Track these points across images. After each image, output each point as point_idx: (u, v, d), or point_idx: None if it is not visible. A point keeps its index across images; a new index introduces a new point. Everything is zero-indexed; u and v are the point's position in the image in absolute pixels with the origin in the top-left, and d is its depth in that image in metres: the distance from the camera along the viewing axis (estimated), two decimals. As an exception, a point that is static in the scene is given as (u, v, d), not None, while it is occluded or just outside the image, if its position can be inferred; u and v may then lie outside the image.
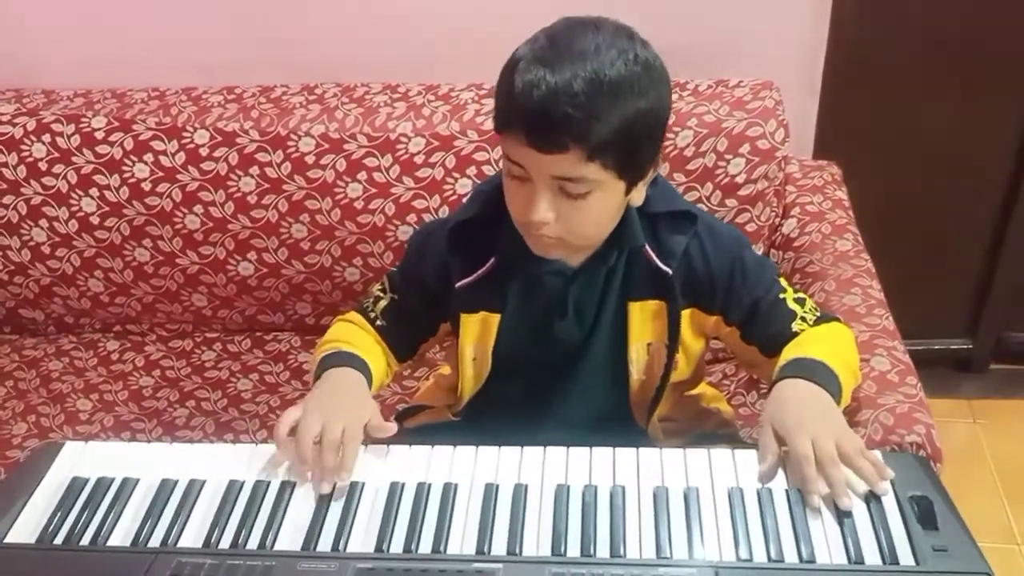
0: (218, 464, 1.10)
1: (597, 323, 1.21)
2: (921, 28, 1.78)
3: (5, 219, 1.74)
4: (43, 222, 1.74)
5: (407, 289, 1.28)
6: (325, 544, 0.99)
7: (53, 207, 1.73)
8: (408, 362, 1.35)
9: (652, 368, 1.23)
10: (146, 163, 1.68)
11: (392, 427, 1.12)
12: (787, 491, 1.01)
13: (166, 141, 1.67)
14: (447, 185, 1.63)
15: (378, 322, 1.28)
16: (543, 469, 1.06)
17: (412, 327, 1.30)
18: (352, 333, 1.27)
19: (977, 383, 2.20)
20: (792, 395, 1.08)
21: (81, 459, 1.13)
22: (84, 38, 1.81)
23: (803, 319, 1.19)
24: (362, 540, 0.99)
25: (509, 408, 1.27)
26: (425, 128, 1.63)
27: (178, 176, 1.68)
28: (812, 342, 1.16)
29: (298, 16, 1.76)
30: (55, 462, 1.12)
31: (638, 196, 1.12)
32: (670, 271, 1.16)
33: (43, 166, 1.71)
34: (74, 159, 1.70)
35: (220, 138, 1.66)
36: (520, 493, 1.02)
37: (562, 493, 1.02)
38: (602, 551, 0.96)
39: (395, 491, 1.04)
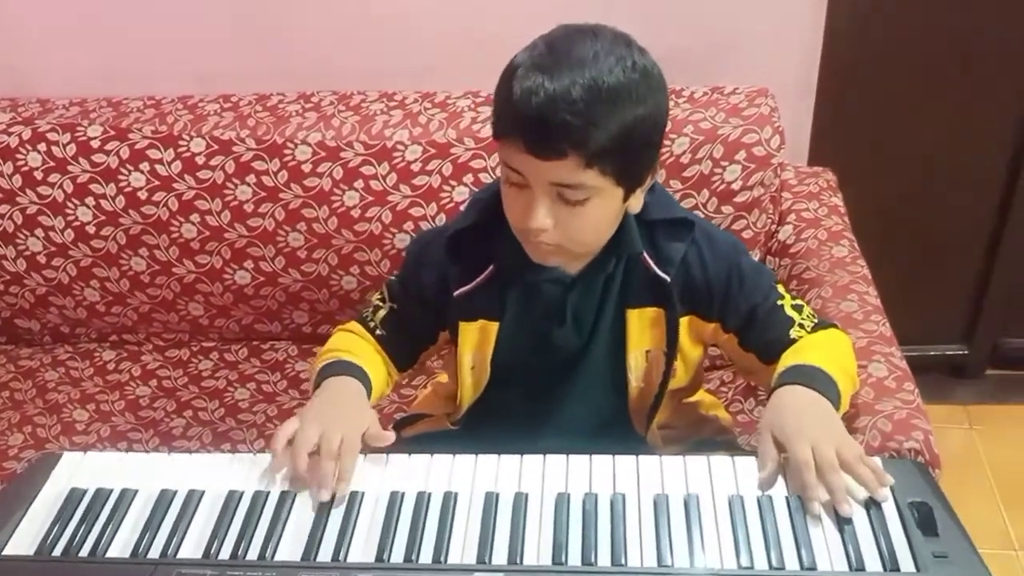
0: (217, 474, 1.09)
1: (595, 331, 1.21)
2: (915, 35, 1.78)
3: (0, 229, 1.74)
4: (39, 231, 1.73)
5: (406, 298, 1.28)
6: (325, 554, 0.98)
7: (49, 216, 1.72)
8: (408, 371, 1.35)
9: (651, 375, 1.23)
10: (142, 172, 1.68)
11: (390, 436, 1.12)
12: (787, 498, 1.01)
13: (162, 150, 1.67)
14: (444, 193, 1.63)
15: (378, 331, 1.28)
16: (543, 477, 1.05)
17: (412, 336, 1.30)
18: (352, 342, 1.27)
19: (973, 389, 2.21)
20: (791, 402, 1.08)
21: (79, 470, 1.12)
22: (79, 47, 1.81)
23: (801, 326, 1.19)
24: (362, 550, 0.99)
25: (508, 416, 1.27)
26: (422, 136, 1.63)
27: (174, 185, 1.68)
28: (810, 349, 1.17)
29: (294, 24, 1.76)
30: (53, 473, 1.11)
31: (636, 203, 1.12)
32: (668, 278, 1.16)
33: (39, 175, 1.70)
34: (70, 168, 1.69)
35: (216, 146, 1.66)
36: (520, 502, 1.02)
37: (562, 501, 1.02)
38: (603, 559, 0.95)
39: (395, 500, 1.04)
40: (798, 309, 1.21)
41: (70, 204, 1.71)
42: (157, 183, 1.68)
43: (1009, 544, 1.87)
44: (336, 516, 1.02)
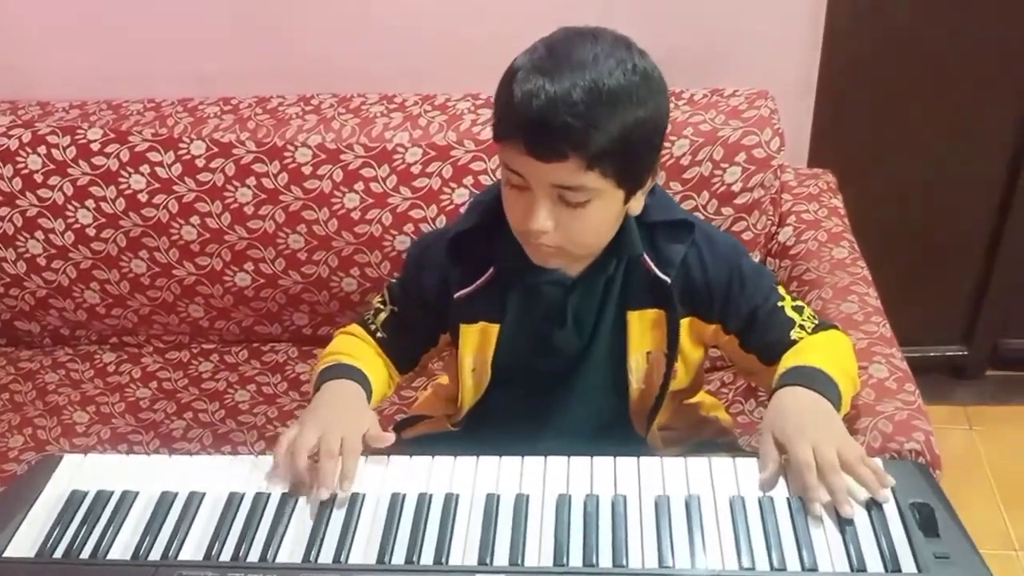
0: (218, 476, 1.09)
1: (596, 332, 1.21)
2: (914, 37, 1.79)
3: (0, 231, 1.74)
4: (39, 234, 1.73)
5: (407, 301, 1.28)
6: (326, 556, 0.98)
7: (49, 219, 1.72)
8: (409, 373, 1.35)
9: (651, 377, 1.23)
10: (142, 174, 1.68)
11: (390, 437, 1.12)
12: (788, 499, 1.01)
13: (162, 152, 1.67)
14: (444, 195, 1.63)
15: (378, 334, 1.28)
16: (544, 479, 1.06)
17: (413, 338, 1.30)
18: (352, 345, 1.27)
19: (973, 390, 2.21)
20: (792, 403, 1.08)
21: (80, 472, 1.12)
22: (79, 50, 1.80)
23: (801, 327, 1.20)
24: (363, 552, 0.99)
25: (508, 418, 1.27)
26: (422, 138, 1.63)
27: (174, 187, 1.68)
28: (811, 350, 1.17)
29: (294, 26, 1.76)
30: (53, 475, 1.11)
31: (637, 205, 1.12)
32: (668, 280, 1.16)
33: (39, 178, 1.70)
34: (70, 171, 1.69)
35: (216, 149, 1.66)
36: (521, 503, 1.02)
37: (564, 503, 1.02)
38: (604, 560, 0.95)
39: (396, 502, 1.04)
40: (799, 310, 1.21)
41: (70, 206, 1.71)
42: (157, 185, 1.68)
43: (1009, 545, 1.88)
44: (337, 518, 1.02)
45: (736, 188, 1.58)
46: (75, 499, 1.07)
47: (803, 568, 0.93)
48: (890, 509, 0.99)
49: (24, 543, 1.03)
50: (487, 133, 1.61)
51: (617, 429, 1.28)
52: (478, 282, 1.18)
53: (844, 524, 0.97)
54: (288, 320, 1.80)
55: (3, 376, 1.82)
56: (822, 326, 1.22)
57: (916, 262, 2.03)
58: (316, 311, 1.78)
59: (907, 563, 0.93)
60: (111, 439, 1.67)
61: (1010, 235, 1.99)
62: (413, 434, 1.37)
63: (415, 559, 0.97)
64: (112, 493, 1.08)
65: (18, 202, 1.71)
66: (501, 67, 1.06)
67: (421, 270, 1.26)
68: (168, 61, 1.80)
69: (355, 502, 1.04)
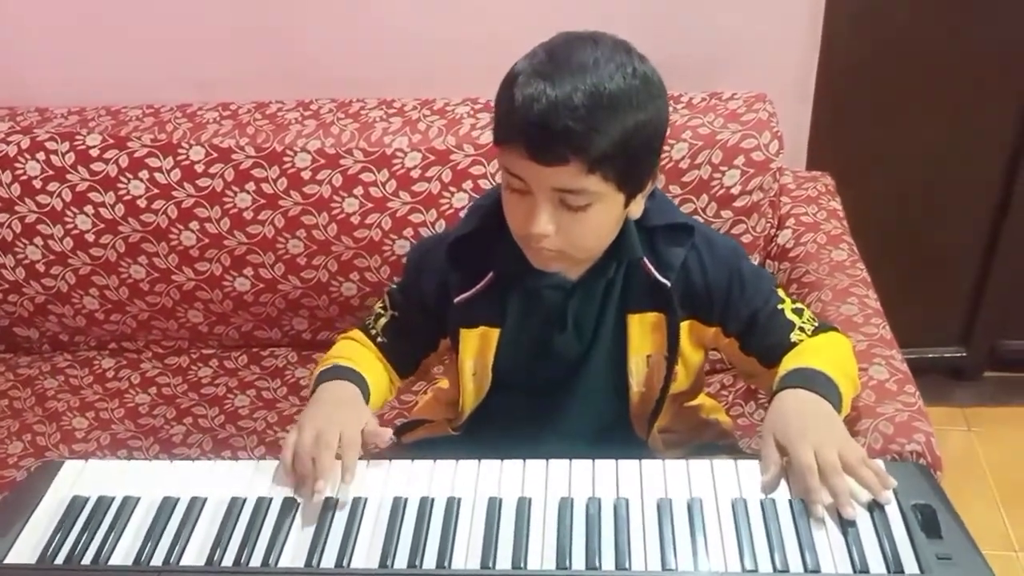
0: (219, 481, 1.09)
1: (596, 336, 1.21)
2: (911, 39, 1.79)
3: (-1, 238, 1.74)
4: (38, 240, 1.73)
5: (407, 305, 1.28)
6: (329, 561, 0.98)
7: (48, 225, 1.72)
8: (410, 378, 1.35)
9: (652, 380, 1.23)
10: (141, 180, 1.68)
11: (388, 432, 1.12)
12: (790, 501, 1.01)
13: (161, 158, 1.67)
14: (443, 199, 1.63)
15: (379, 339, 1.28)
16: (546, 482, 1.06)
17: (413, 343, 1.30)
18: (352, 350, 1.27)
19: (971, 391, 2.21)
20: (793, 405, 1.08)
21: (81, 478, 1.12)
22: (78, 55, 1.81)
23: (801, 329, 1.20)
24: (366, 556, 0.99)
25: (509, 422, 1.27)
26: (421, 143, 1.63)
27: (174, 193, 1.68)
28: (811, 352, 1.17)
29: (293, 32, 1.76)
30: (54, 481, 1.11)
31: (637, 208, 1.12)
32: (668, 283, 1.16)
33: (37, 184, 1.70)
34: (69, 177, 1.69)
35: (216, 154, 1.66)
36: (524, 506, 1.02)
37: (566, 506, 1.02)
38: (607, 563, 0.96)
39: (398, 506, 1.04)
40: (798, 313, 1.21)
41: (69, 212, 1.71)
42: (156, 191, 1.68)
43: (1009, 546, 1.88)
44: (339, 522, 1.02)
45: (735, 191, 1.58)
46: (76, 505, 1.07)
47: (806, 570, 0.93)
48: (892, 510, 0.99)
49: (26, 549, 1.03)
50: (486, 137, 1.61)
51: (618, 432, 1.28)
52: (478, 286, 1.19)
53: (846, 526, 0.97)
54: (288, 325, 1.80)
55: (2, 382, 1.82)
56: (822, 328, 1.22)
57: (914, 264, 2.04)
58: (316, 316, 1.78)
59: (910, 564, 0.93)
60: (110, 445, 1.67)
61: (1008, 237, 2.00)
62: (413, 438, 1.37)
63: (418, 563, 0.97)
64: (113, 499, 1.08)
65: (17, 208, 1.71)
66: (500, 72, 1.06)
67: (421, 274, 1.26)
68: (167, 67, 1.80)
69: (357, 506, 1.04)
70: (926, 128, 1.87)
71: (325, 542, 1.00)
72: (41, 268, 1.76)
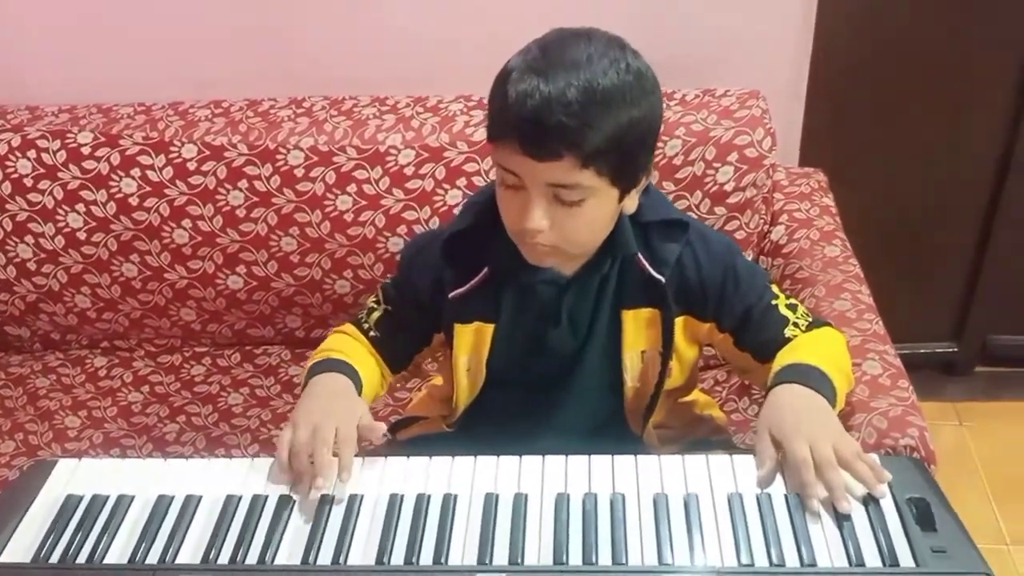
0: (214, 479, 1.09)
1: (591, 332, 1.22)
2: (903, 37, 1.80)
3: (-10, 236, 1.73)
4: (29, 238, 1.72)
5: (400, 300, 1.28)
6: (325, 558, 0.98)
7: (39, 223, 1.71)
8: (402, 373, 1.35)
9: (646, 375, 1.23)
10: (133, 178, 1.67)
11: (382, 426, 1.12)
12: (786, 495, 1.01)
13: (153, 156, 1.67)
14: (437, 196, 1.63)
15: (372, 333, 1.28)
16: (542, 478, 1.06)
17: (406, 338, 1.30)
18: (344, 343, 1.27)
19: (963, 386, 2.22)
20: (788, 400, 1.09)
21: (75, 476, 1.12)
22: (68, 54, 1.80)
23: (795, 325, 1.20)
24: (362, 553, 0.99)
25: (504, 418, 1.27)
26: (414, 140, 1.63)
27: (166, 191, 1.67)
28: (805, 347, 1.17)
29: (286, 31, 1.76)
30: (48, 480, 1.11)
31: (631, 204, 1.13)
32: (663, 279, 1.16)
33: (28, 182, 1.69)
34: (60, 175, 1.68)
35: (208, 152, 1.65)
36: (520, 502, 1.02)
37: (562, 501, 1.02)
38: (604, 559, 0.96)
39: (394, 503, 1.04)
40: (792, 308, 1.22)
41: (60, 211, 1.70)
42: (148, 189, 1.67)
43: (1001, 539, 1.89)
44: (335, 519, 1.02)
45: (728, 187, 1.58)
46: (70, 504, 1.07)
47: (802, 564, 0.94)
48: (887, 504, 0.99)
49: (20, 548, 1.02)
50: (480, 135, 1.61)
51: (613, 428, 1.28)
52: (472, 282, 1.19)
53: (842, 520, 0.97)
54: (281, 323, 1.80)
55: (-7, 381, 1.81)
56: (816, 323, 1.22)
57: (906, 260, 2.04)
58: (309, 313, 1.77)
59: (905, 558, 0.93)
60: (103, 443, 1.66)
61: (1000, 233, 2.00)
62: (408, 435, 1.37)
63: (414, 560, 0.97)
64: (108, 497, 1.07)
65: (8, 206, 1.70)
66: (493, 69, 1.06)
67: (415, 270, 1.26)
68: (158, 65, 1.79)
69: (353, 503, 1.04)
70: (918, 125, 1.88)
71: (321, 539, 1.00)
72: (32, 266, 1.75)
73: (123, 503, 1.07)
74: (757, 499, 1.01)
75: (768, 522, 0.98)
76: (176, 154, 1.66)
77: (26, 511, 1.07)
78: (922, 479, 1.03)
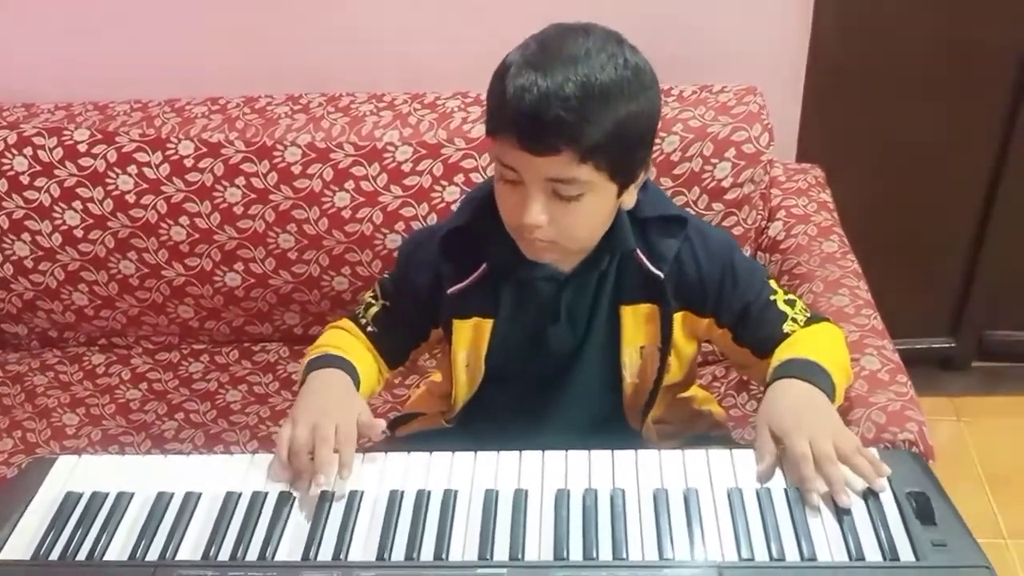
0: (214, 476, 1.09)
1: (590, 328, 1.22)
2: (900, 33, 1.80)
3: (-13, 234, 1.72)
4: (25, 236, 1.72)
5: (399, 296, 1.28)
6: (326, 554, 0.98)
7: (36, 221, 1.71)
8: (399, 369, 1.35)
9: (645, 371, 1.23)
10: (130, 175, 1.67)
11: (381, 423, 1.12)
12: (786, 490, 1.01)
13: (150, 153, 1.66)
14: (435, 193, 1.63)
15: (369, 328, 1.28)
16: (543, 474, 1.06)
17: (404, 333, 1.30)
18: (340, 339, 1.27)
19: (960, 381, 2.22)
20: (787, 395, 1.09)
21: (74, 474, 1.11)
22: (65, 51, 1.79)
23: (794, 320, 1.20)
24: (363, 549, 0.99)
25: (503, 414, 1.27)
26: (412, 137, 1.63)
27: (163, 188, 1.67)
28: (804, 343, 1.17)
29: (282, 27, 1.75)
30: (47, 477, 1.11)
31: (629, 199, 1.13)
32: (662, 275, 1.16)
33: (25, 179, 1.69)
34: (56, 172, 1.68)
35: (205, 149, 1.65)
36: (520, 498, 1.02)
37: (562, 497, 1.02)
38: (604, 554, 0.96)
39: (395, 499, 1.04)
40: (791, 304, 1.22)
41: (57, 208, 1.69)
42: (145, 186, 1.67)
43: (999, 533, 1.90)
44: (336, 515, 1.02)
45: (726, 184, 1.58)
46: (70, 501, 1.07)
47: (802, 558, 0.94)
48: (887, 499, 0.99)
49: (19, 545, 1.02)
50: (477, 131, 1.61)
51: (612, 424, 1.28)
52: (471, 278, 1.19)
53: (842, 514, 0.98)
54: (279, 320, 1.80)
55: (-10, 379, 1.81)
56: (814, 319, 1.22)
57: (903, 256, 2.04)
58: (307, 310, 1.77)
59: (905, 552, 0.94)
60: (102, 441, 1.66)
61: (996, 228, 2.01)
62: (407, 432, 1.37)
63: (415, 555, 0.97)
64: (107, 494, 1.07)
65: (4, 204, 1.70)
66: (491, 65, 1.06)
67: (414, 266, 1.26)
68: (155, 61, 1.79)
69: (353, 499, 1.04)
70: (915, 120, 1.88)
71: (322, 536, 1.00)
72: (29, 264, 1.74)
73: (123, 500, 1.06)
74: (757, 494, 1.01)
75: (768, 517, 0.98)
76: (173, 151, 1.66)
77: (26, 508, 1.06)
78: (921, 473, 1.03)
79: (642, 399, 1.25)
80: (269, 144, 1.64)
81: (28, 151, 1.68)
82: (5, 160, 1.68)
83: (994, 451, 2.06)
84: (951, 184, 1.97)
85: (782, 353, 1.16)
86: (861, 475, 1.00)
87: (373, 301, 1.30)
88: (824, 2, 1.72)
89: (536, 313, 1.22)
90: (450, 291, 1.19)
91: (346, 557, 0.98)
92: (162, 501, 1.06)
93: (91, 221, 1.70)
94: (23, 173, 1.69)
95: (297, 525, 1.02)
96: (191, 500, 1.06)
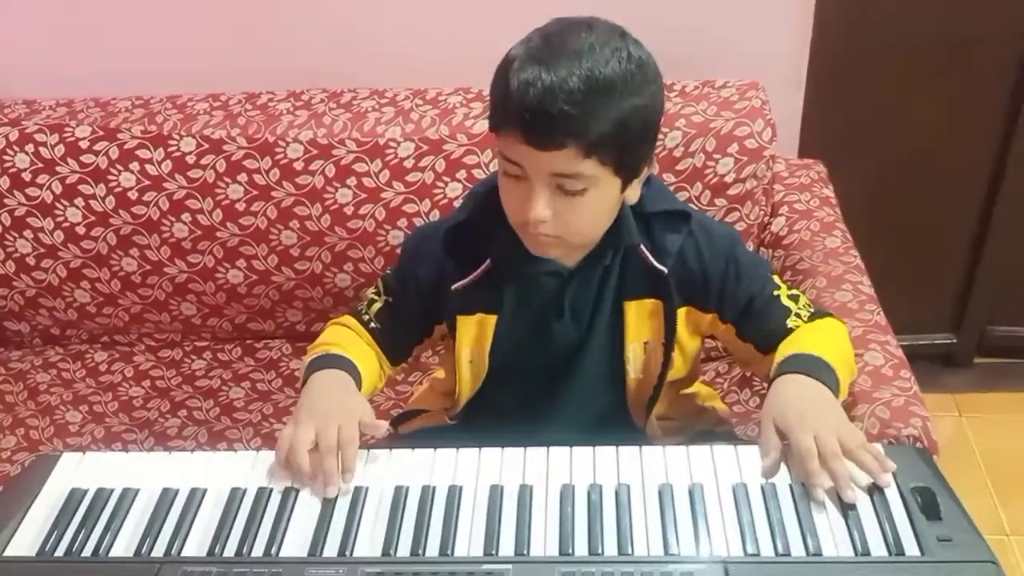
0: (218, 472, 1.09)
1: (593, 323, 1.21)
2: (902, 28, 1.80)
3: (-11, 231, 1.72)
4: (27, 233, 1.72)
5: (402, 292, 1.28)
6: (331, 550, 0.98)
7: (38, 218, 1.70)
8: (402, 366, 1.35)
9: (649, 367, 1.23)
10: (132, 172, 1.67)
11: (383, 424, 1.12)
12: (791, 485, 1.01)
13: (152, 149, 1.66)
14: (437, 189, 1.62)
15: (372, 324, 1.28)
16: (547, 469, 1.06)
17: (406, 329, 1.30)
18: (342, 336, 1.26)
19: (962, 377, 2.23)
20: (792, 390, 1.09)
21: (78, 470, 1.11)
22: (66, 46, 1.79)
23: (797, 315, 1.20)
24: (368, 544, 0.98)
25: (506, 410, 1.27)
26: (414, 132, 1.62)
27: (165, 184, 1.66)
28: (808, 338, 1.17)
29: (283, 23, 1.75)
30: (52, 474, 1.11)
31: (633, 193, 1.13)
32: (665, 270, 1.16)
33: (27, 176, 1.69)
34: (58, 169, 1.68)
35: (207, 145, 1.65)
36: (525, 494, 1.02)
37: (567, 493, 1.02)
38: (610, 549, 0.96)
39: (400, 495, 1.03)
40: (794, 299, 1.22)
41: (59, 205, 1.69)
42: (147, 183, 1.67)
43: (1001, 529, 1.90)
44: (341, 511, 1.02)
45: (729, 179, 1.58)
46: (75, 497, 1.07)
47: (808, 553, 0.94)
48: (892, 494, 0.99)
49: (25, 542, 1.02)
50: (479, 127, 1.61)
51: (615, 420, 1.28)
52: (475, 274, 1.18)
53: (847, 509, 0.97)
54: (281, 316, 1.80)
55: (-7, 377, 1.81)
56: (818, 314, 1.22)
57: (905, 251, 2.04)
58: (309, 307, 1.77)
59: (910, 546, 0.94)
60: (105, 438, 1.66)
61: (998, 224, 2.01)
62: (410, 429, 1.37)
63: (420, 551, 0.97)
64: (112, 491, 1.07)
65: (6, 201, 1.70)
66: (493, 61, 1.06)
67: (417, 262, 1.25)
68: (156, 57, 1.78)
69: (359, 495, 1.04)
70: (917, 116, 1.88)
71: (327, 532, 1.00)
72: (31, 261, 1.74)
73: (128, 496, 1.06)
74: (762, 489, 1.01)
75: (773, 512, 0.98)
76: (175, 147, 1.65)
77: (31, 505, 1.06)
78: (926, 468, 1.03)
79: (646, 395, 1.25)
80: (271, 140, 1.64)
81: (30, 148, 1.68)
82: (7, 157, 1.68)
83: (996, 447, 2.06)
84: (953, 180, 1.97)
85: (786, 349, 1.16)
86: (866, 470, 1.00)
87: (376, 297, 1.29)
88: (826, -4, 1.72)
89: (540, 308, 1.21)
90: (454, 287, 1.19)
91: (351, 553, 0.97)
92: (167, 497, 1.06)
93: (93, 218, 1.69)
94: (25, 170, 1.68)
95: (302, 521, 1.02)
96: (196, 496, 1.06)
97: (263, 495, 1.05)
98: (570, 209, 1.05)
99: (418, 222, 1.63)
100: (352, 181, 1.63)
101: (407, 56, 1.76)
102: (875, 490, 0.99)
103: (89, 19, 1.76)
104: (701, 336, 1.28)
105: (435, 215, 1.63)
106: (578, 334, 1.22)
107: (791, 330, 1.19)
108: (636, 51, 1.04)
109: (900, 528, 0.95)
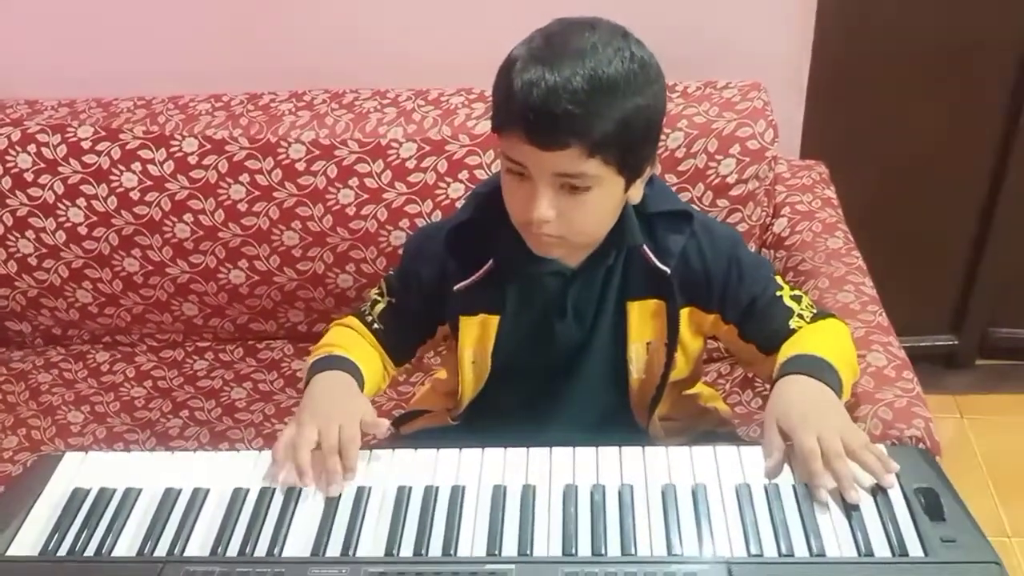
0: (221, 472, 1.09)
1: (596, 323, 1.21)
2: (903, 30, 1.80)
3: (-9, 231, 1.72)
4: (29, 233, 1.72)
5: (404, 292, 1.28)
6: (334, 549, 0.98)
7: (40, 218, 1.70)
8: (405, 366, 1.35)
9: (652, 367, 1.23)
10: (134, 172, 1.67)
11: (385, 423, 1.12)
12: (794, 486, 1.01)
13: (154, 150, 1.66)
14: (439, 190, 1.63)
15: (375, 325, 1.28)
16: (550, 470, 1.06)
17: (409, 330, 1.30)
18: (345, 337, 1.26)
19: (963, 379, 2.23)
20: (795, 391, 1.09)
21: (81, 470, 1.11)
22: (68, 47, 1.79)
23: (800, 316, 1.20)
24: (371, 544, 0.98)
25: (508, 411, 1.27)
26: (416, 133, 1.62)
27: (167, 185, 1.66)
28: (810, 339, 1.17)
29: (285, 23, 1.75)
30: (54, 474, 1.10)
31: (636, 193, 1.13)
32: (668, 270, 1.16)
33: (29, 177, 1.69)
34: (60, 169, 1.68)
35: (209, 146, 1.65)
36: (528, 494, 1.02)
37: (571, 493, 1.02)
38: (613, 550, 0.96)
39: (403, 495, 1.03)
40: (797, 300, 1.22)
41: (61, 205, 1.69)
42: (149, 183, 1.67)
43: (1003, 531, 1.90)
44: (344, 511, 1.02)
45: (731, 180, 1.58)
46: (77, 497, 1.07)
47: (811, 554, 0.94)
48: (895, 495, 0.99)
49: (27, 541, 1.02)
50: (481, 127, 1.61)
51: (618, 420, 1.28)
52: (478, 274, 1.18)
53: (850, 510, 0.97)
54: (283, 317, 1.80)
55: (-6, 377, 1.81)
56: (820, 315, 1.22)
57: (906, 252, 2.04)
58: (311, 308, 1.77)
59: (914, 547, 0.93)
60: (107, 438, 1.65)
61: (999, 225, 2.01)
62: (412, 429, 1.37)
63: (423, 551, 0.97)
64: (115, 491, 1.07)
65: (8, 201, 1.70)
66: (495, 61, 1.06)
67: (420, 262, 1.25)
68: (158, 58, 1.78)
69: (362, 495, 1.04)
70: (918, 117, 1.88)
71: (330, 531, 1.00)
72: (33, 261, 1.74)
73: (130, 496, 1.06)
74: (765, 490, 1.01)
75: (776, 513, 0.98)
76: (177, 148, 1.65)
77: (33, 504, 1.06)
78: (930, 469, 1.03)
79: (648, 395, 1.25)
80: (273, 141, 1.64)
81: (32, 148, 1.68)
82: (9, 157, 1.68)
83: (998, 449, 2.06)
84: (954, 183, 1.98)
85: (788, 349, 1.16)
86: (870, 471, 1.00)
87: (379, 298, 1.29)
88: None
89: (542, 309, 1.21)
90: (456, 288, 1.19)
91: (354, 553, 0.97)
92: (170, 497, 1.06)
93: (95, 218, 1.69)
94: (27, 170, 1.68)
95: (305, 521, 1.02)
96: (199, 496, 1.06)
97: (266, 495, 1.05)
98: (573, 209, 1.06)
99: (420, 223, 1.63)
100: (354, 182, 1.63)
101: (409, 56, 1.76)
102: (878, 491, 0.99)
103: (91, 19, 1.76)
104: (703, 337, 1.28)
105: (437, 216, 1.63)
106: (581, 334, 1.22)
107: (793, 331, 1.19)
108: (638, 51, 1.04)
109: (904, 529, 0.95)
